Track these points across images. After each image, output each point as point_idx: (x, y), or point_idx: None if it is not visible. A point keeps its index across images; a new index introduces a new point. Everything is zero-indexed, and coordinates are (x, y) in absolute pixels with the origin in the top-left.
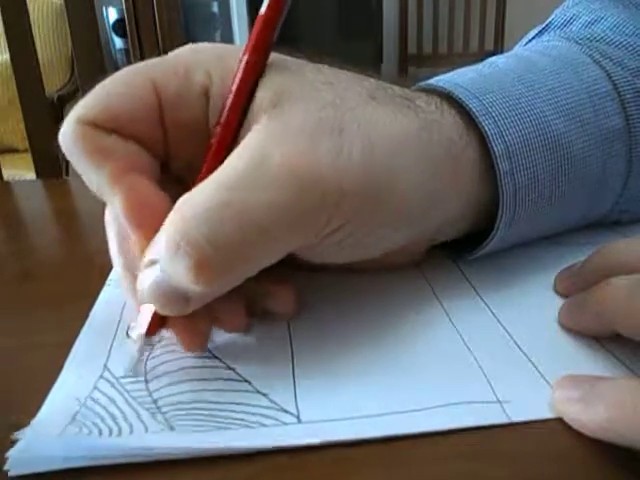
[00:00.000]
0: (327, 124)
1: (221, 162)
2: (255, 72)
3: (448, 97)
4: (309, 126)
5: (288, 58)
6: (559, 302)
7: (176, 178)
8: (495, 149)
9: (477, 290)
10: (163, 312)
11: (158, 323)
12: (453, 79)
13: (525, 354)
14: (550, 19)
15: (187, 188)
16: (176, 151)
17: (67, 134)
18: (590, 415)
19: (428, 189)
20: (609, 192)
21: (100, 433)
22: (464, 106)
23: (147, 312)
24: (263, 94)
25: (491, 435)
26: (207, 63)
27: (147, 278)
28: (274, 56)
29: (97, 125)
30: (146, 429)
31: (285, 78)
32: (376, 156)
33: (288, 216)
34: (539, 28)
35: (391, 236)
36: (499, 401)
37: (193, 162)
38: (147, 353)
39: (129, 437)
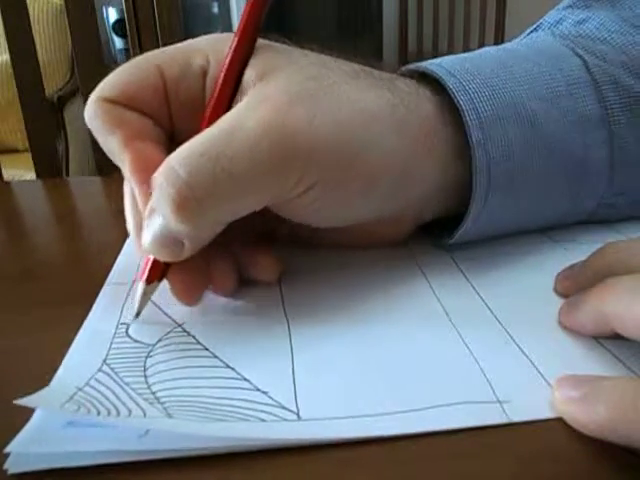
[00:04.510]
0: (305, 94)
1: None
2: (244, 50)
3: (428, 79)
4: (287, 94)
5: (275, 43)
6: (559, 302)
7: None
8: (468, 120)
9: (477, 290)
10: (159, 257)
11: (158, 273)
12: (436, 62)
13: (525, 354)
14: (541, 20)
15: None
16: (180, 124)
17: (89, 110)
18: (590, 415)
19: (402, 161)
20: (594, 179)
21: (98, 413)
22: (442, 83)
23: (149, 262)
24: (252, 71)
25: (491, 435)
26: (205, 48)
27: (147, 226)
28: (263, 42)
29: (113, 101)
30: (144, 414)
31: (272, 57)
32: (349, 126)
33: (259, 167)
34: (530, 29)
35: (365, 203)
36: (499, 401)
37: (195, 133)
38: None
39: (127, 418)
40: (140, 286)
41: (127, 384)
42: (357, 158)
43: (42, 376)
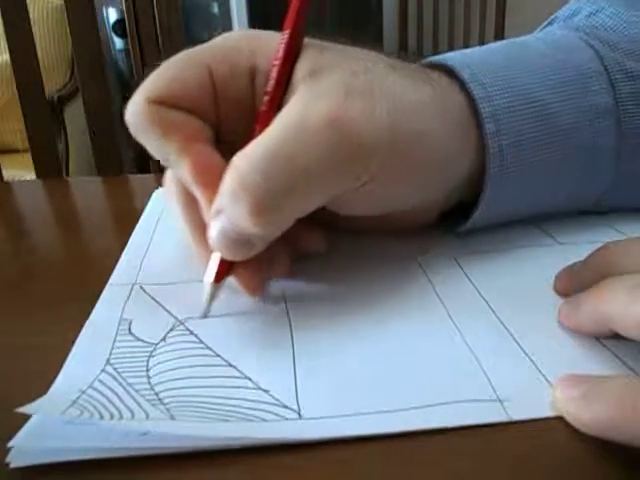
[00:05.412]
0: (359, 88)
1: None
2: (294, 46)
3: (450, 72)
4: (343, 89)
5: (314, 40)
6: (559, 301)
7: (227, 147)
8: (482, 111)
9: (478, 289)
10: (230, 257)
11: (225, 271)
12: (454, 55)
13: (526, 353)
14: (556, 14)
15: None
16: (227, 122)
17: (136, 112)
18: (590, 414)
19: (445, 149)
20: (603, 166)
21: (101, 417)
22: (456, 74)
23: (215, 261)
24: (301, 68)
25: (491, 434)
26: (252, 45)
27: (214, 227)
28: (308, 40)
29: (161, 102)
30: (147, 416)
31: (319, 54)
32: (402, 116)
33: (330, 162)
34: (546, 22)
35: (411, 191)
36: (499, 400)
37: (242, 131)
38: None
39: (130, 422)
40: (209, 286)
41: (130, 385)
42: (411, 147)
43: (44, 375)
